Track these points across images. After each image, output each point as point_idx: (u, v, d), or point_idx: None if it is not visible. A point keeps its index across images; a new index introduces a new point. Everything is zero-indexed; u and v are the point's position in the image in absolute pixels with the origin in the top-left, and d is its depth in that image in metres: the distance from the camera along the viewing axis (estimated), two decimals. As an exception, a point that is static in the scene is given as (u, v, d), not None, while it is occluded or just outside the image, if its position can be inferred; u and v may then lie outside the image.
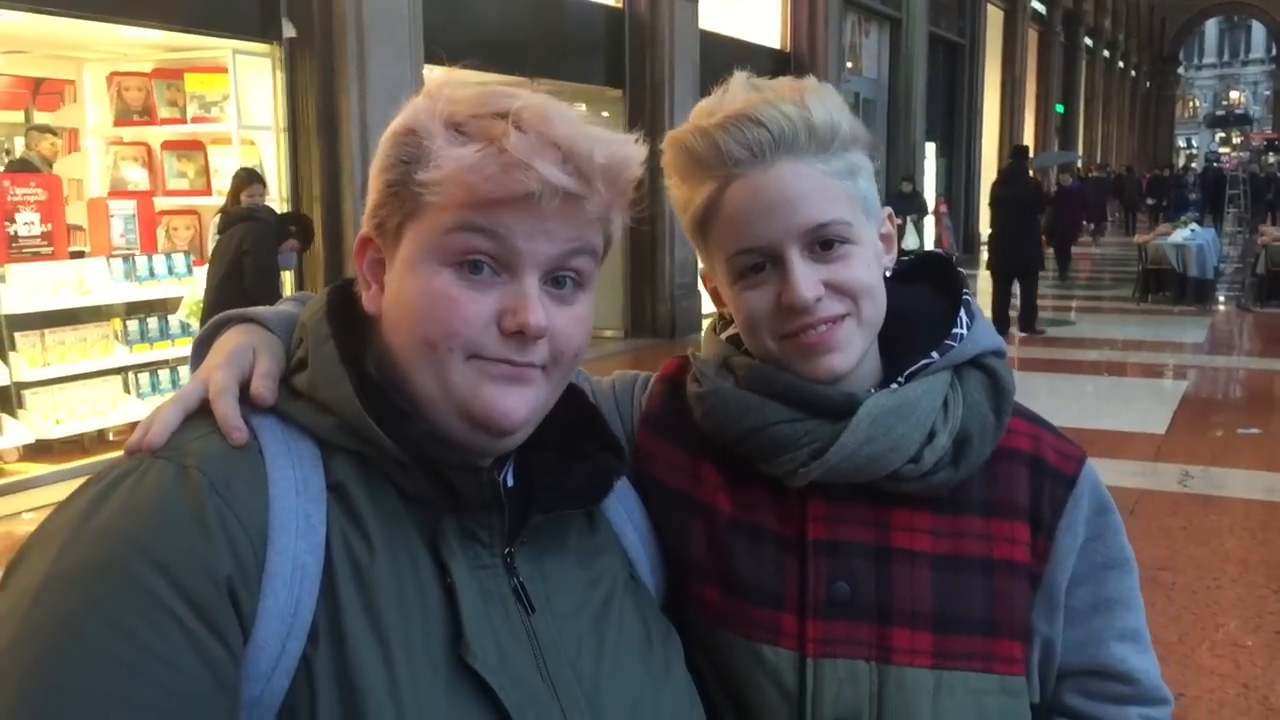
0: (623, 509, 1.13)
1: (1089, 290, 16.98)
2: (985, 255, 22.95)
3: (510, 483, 1.00)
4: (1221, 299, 15.97)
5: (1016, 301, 12.56)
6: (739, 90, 1.09)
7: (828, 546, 1.12)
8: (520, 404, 0.92)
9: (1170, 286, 15.39)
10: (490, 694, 0.88)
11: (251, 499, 0.85)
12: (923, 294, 1.21)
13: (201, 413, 0.92)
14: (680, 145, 1.10)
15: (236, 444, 0.88)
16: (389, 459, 0.91)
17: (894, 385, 1.13)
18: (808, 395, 1.10)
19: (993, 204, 13.12)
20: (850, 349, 1.10)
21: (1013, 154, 13.86)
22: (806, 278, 1.06)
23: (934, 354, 1.14)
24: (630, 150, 0.94)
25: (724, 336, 1.20)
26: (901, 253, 1.21)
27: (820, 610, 1.10)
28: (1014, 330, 12.55)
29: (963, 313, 1.17)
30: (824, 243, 1.07)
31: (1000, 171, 13.85)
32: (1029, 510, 1.15)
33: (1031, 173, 14.59)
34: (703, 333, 1.25)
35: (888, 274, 1.16)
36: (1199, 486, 6.58)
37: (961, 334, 1.15)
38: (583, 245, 0.94)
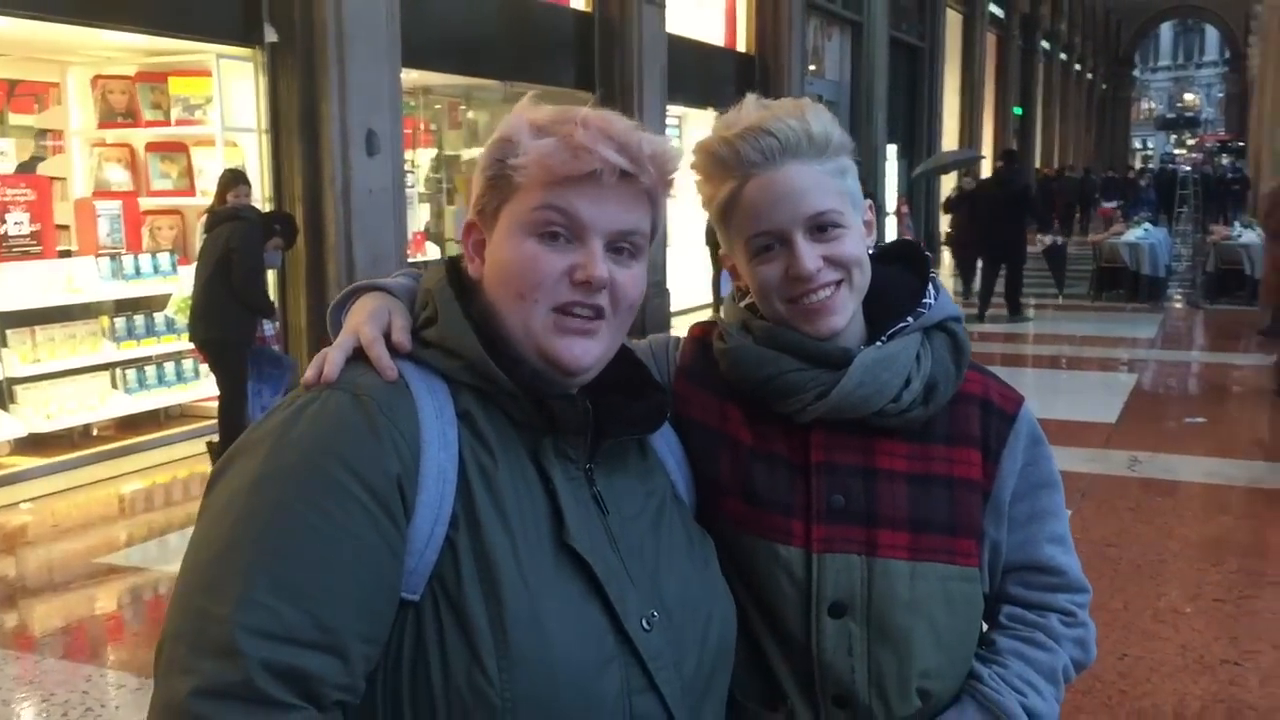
0: (664, 443, 1.39)
1: (1046, 288, 17.40)
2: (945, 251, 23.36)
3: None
4: (1174, 296, 16.44)
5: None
6: (752, 108, 1.37)
7: (827, 468, 1.38)
8: (586, 352, 1.19)
9: (1124, 284, 15.83)
10: (585, 569, 1.15)
11: (407, 419, 1.12)
12: (898, 273, 1.48)
13: (355, 358, 1.19)
14: (707, 151, 1.38)
15: (389, 380, 1.15)
16: (503, 392, 1.17)
17: (879, 343, 1.40)
18: (813, 350, 1.37)
19: (980, 200, 14.41)
20: (844, 311, 1.37)
21: (1003, 157, 15.70)
22: (809, 254, 1.33)
23: (909, 319, 1.42)
24: (671, 147, 1.22)
25: (743, 305, 1.47)
26: None
27: (821, 516, 1.37)
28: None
29: (931, 287, 1.45)
30: (821, 227, 1.34)
31: (994, 171, 15.61)
32: (980, 440, 1.43)
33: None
34: (723, 303, 1.53)
35: (870, 252, 1.42)
36: (1146, 471, 6.95)
37: (930, 303, 1.44)
38: (635, 225, 1.21)
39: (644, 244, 1.24)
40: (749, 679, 1.40)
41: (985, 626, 1.49)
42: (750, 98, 1.39)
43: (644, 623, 1.17)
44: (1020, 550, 1.46)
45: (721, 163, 1.36)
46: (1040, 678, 1.43)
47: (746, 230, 1.37)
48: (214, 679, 0.98)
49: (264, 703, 0.98)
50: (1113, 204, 26.44)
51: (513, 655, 1.08)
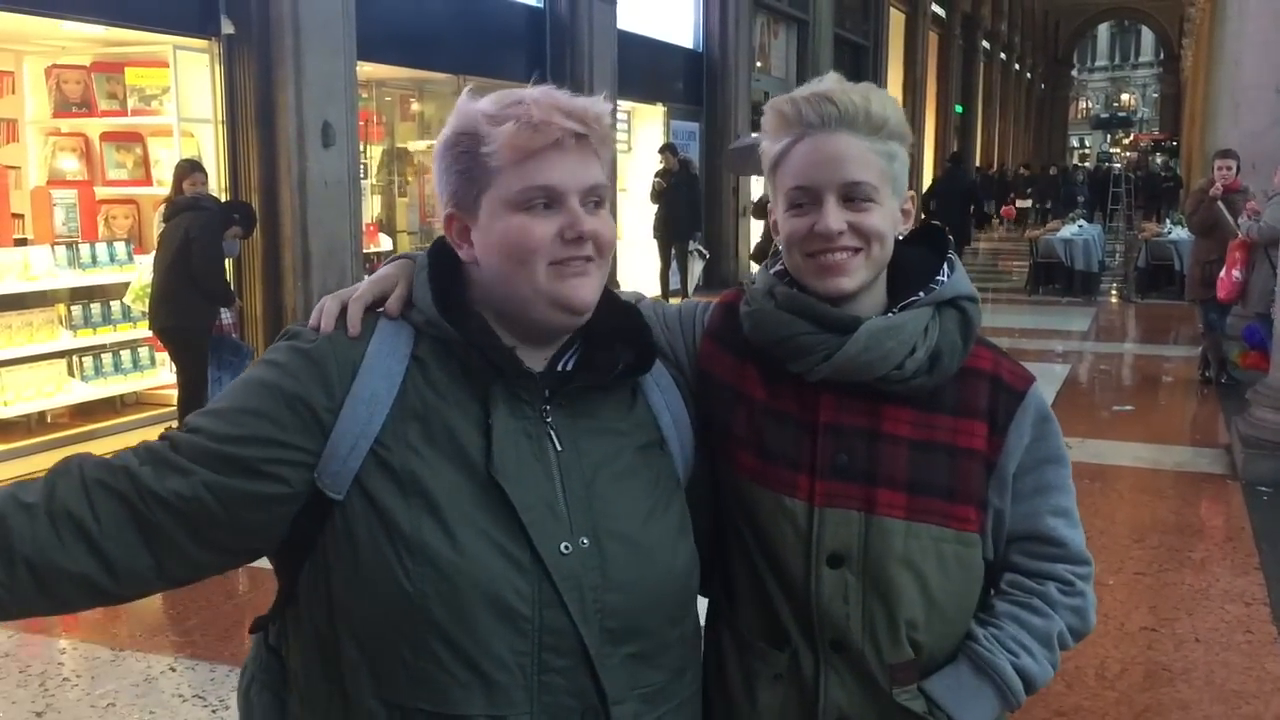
0: (662, 399, 1.51)
1: (984, 282, 17.84)
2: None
3: (570, 367, 1.43)
4: (1107, 291, 16.92)
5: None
6: (828, 81, 1.49)
7: (834, 428, 1.48)
8: (588, 289, 1.37)
9: (1059, 279, 16.28)
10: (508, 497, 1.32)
11: (351, 351, 1.36)
12: (921, 253, 1.56)
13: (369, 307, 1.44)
14: (775, 108, 1.50)
15: (353, 333, 1.38)
16: (458, 342, 1.36)
17: (889, 314, 1.49)
18: (825, 315, 1.47)
19: (935, 195, 17.44)
20: (855, 276, 1.46)
21: (952, 159, 19.69)
22: (835, 215, 1.44)
23: (920, 294, 1.50)
24: (604, 104, 1.40)
25: (772, 271, 1.56)
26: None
27: (825, 473, 1.47)
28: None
29: (945, 266, 1.54)
30: (854, 196, 1.44)
31: (944, 171, 19.02)
32: (987, 413, 1.51)
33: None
34: (756, 269, 1.66)
35: (900, 237, 1.52)
36: (1076, 455, 7.07)
37: (943, 280, 1.52)
38: (597, 179, 1.38)
39: (607, 194, 1.42)
40: (757, 619, 1.53)
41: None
42: (833, 74, 1.53)
43: (562, 547, 1.32)
44: (1024, 521, 1.53)
45: (784, 119, 1.48)
46: (1035, 641, 1.50)
47: (788, 182, 1.48)
48: (150, 444, 1.35)
49: (165, 463, 1.32)
50: (1027, 203, 27.48)
51: (426, 553, 1.28)
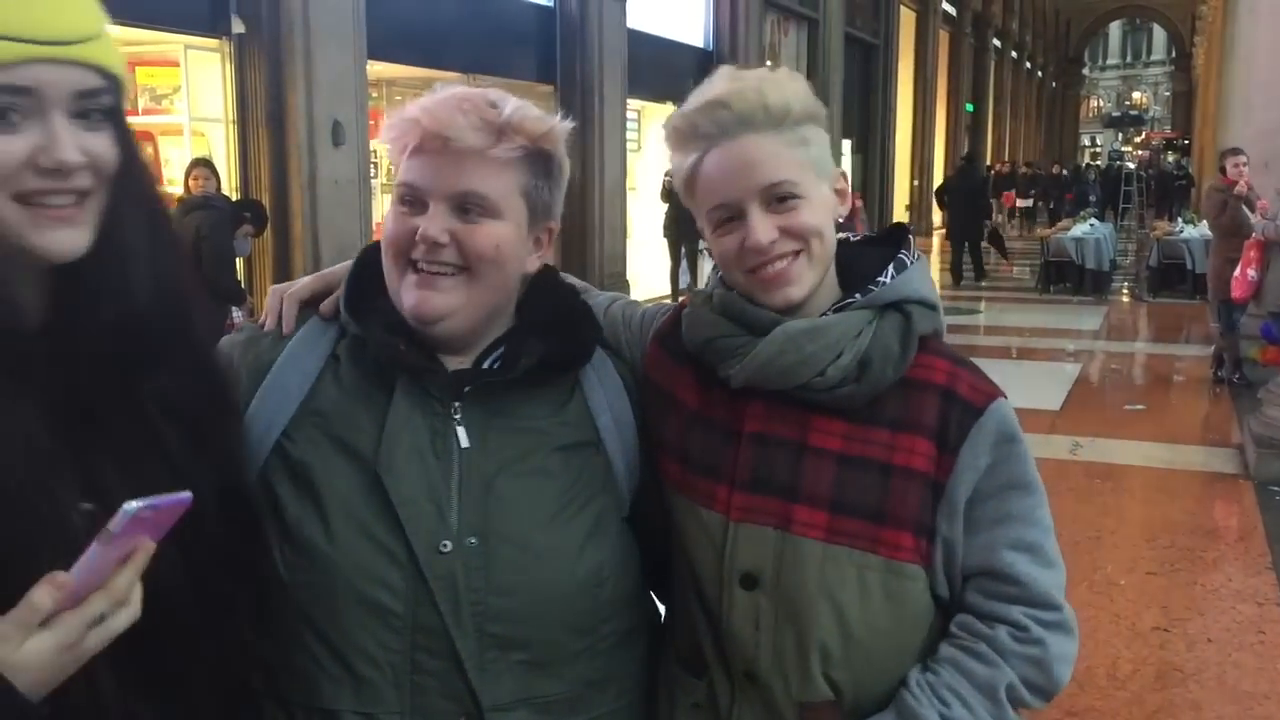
0: (605, 399, 1.46)
1: (995, 281, 17.80)
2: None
3: (496, 365, 1.40)
4: (1119, 290, 16.84)
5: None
6: (719, 80, 1.38)
7: (758, 438, 1.38)
8: (433, 302, 1.33)
9: (1070, 278, 16.21)
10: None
11: (272, 348, 1.41)
12: (879, 254, 1.43)
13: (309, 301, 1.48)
14: (671, 126, 1.40)
15: (288, 330, 1.43)
16: (367, 339, 1.36)
17: (824, 315, 1.37)
18: (747, 317, 1.38)
19: (948, 192, 18.27)
20: (802, 282, 1.36)
21: (965, 158, 20.15)
22: (762, 226, 1.33)
23: (856, 295, 1.39)
24: (524, 118, 1.33)
25: (720, 275, 1.46)
26: None
27: (744, 485, 1.37)
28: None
29: (891, 267, 1.40)
30: (778, 197, 1.33)
31: (956, 170, 19.84)
32: (936, 430, 1.36)
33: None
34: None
35: (840, 219, 1.41)
36: (1086, 455, 7.25)
37: (884, 282, 1.39)
38: (475, 187, 1.31)
39: (498, 205, 1.33)
40: (684, 643, 1.46)
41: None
42: (723, 69, 1.41)
43: (441, 545, 1.29)
44: (979, 554, 1.37)
45: (682, 136, 1.39)
46: (974, 692, 1.34)
47: (706, 203, 1.38)
48: None
49: None
50: (1028, 203, 27.53)
51: (303, 543, 1.30)
